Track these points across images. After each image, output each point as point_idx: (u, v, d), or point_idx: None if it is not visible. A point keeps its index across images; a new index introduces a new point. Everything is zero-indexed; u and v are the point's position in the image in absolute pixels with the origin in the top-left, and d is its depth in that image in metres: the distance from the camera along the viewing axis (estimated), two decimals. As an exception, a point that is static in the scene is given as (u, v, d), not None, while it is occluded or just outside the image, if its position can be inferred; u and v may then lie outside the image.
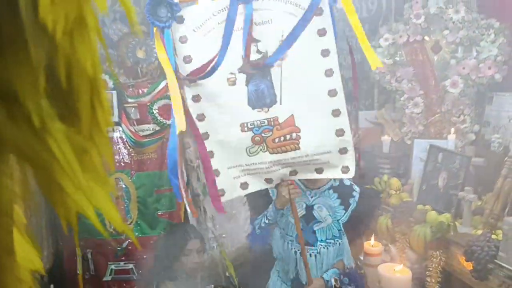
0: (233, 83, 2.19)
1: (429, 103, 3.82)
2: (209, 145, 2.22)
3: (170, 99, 2.96)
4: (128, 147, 3.11)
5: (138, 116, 3.20)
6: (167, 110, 3.09)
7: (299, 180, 2.69)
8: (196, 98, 2.22)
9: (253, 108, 2.19)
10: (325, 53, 2.20)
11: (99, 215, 0.35)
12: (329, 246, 2.71)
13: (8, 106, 0.31)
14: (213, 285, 2.82)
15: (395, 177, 3.72)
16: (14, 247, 0.35)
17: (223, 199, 2.26)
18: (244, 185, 2.32)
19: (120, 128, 3.13)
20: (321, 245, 2.72)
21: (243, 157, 2.24)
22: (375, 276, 2.96)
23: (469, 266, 2.51)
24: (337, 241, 2.71)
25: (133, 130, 3.14)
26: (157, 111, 3.14)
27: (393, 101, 4.20)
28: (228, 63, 2.08)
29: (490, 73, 3.47)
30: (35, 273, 0.43)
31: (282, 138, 2.21)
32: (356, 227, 2.75)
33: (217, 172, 2.25)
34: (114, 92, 3.09)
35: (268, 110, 2.19)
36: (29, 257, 0.41)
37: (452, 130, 3.57)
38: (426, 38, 3.81)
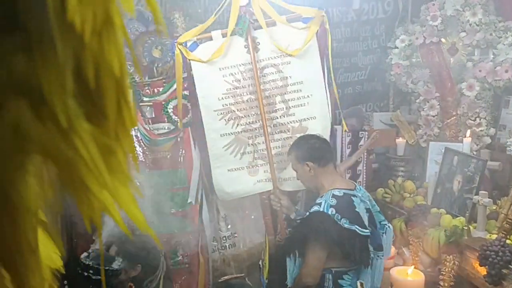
0: None
1: (445, 105, 3.79)
2: None
3: (185, 98, 3.04)
4: (143, 146, 3.13)
5: (153, 115, 3.22)
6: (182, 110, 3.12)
7: None
8: None
9: None
10: None
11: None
12: None
13: (35, 106, 0.31)
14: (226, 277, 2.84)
15: (409, 179, 3.70)
16: (38, 246, 0.35)
17: None
18: None
19: (135, 127, 3.15)
20: None
21: None
22: (387, 279, 2.95)
23: (483, 271, 2.48)
24: None
25: (148, 128, 3.16)
26: (172, 110, 3.17)
27: (408, 103, 4.18)
28: None
29: (507, 76, 3.43)
30: (55, 271, 0.43)
31: None
32: (291, 247, 2.64)
33: None
34: (130, 91, 3.11)
35: None
36: (49, 256, 0.41)
37: (468, 133, 3.54)
38: (443, 40, 3.78)
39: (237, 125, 3.12)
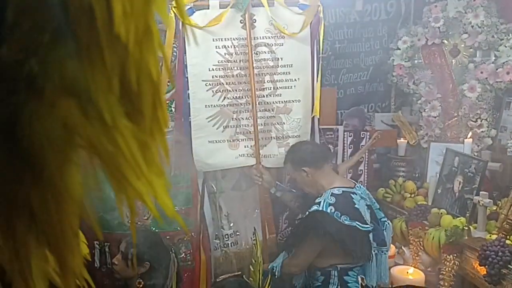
0: None
1: (446, 106, 3.82)
2: None
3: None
4: (147, 144, 3.15)
5: (157, 114, 3.24)
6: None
7: None
8: None
9: None
10: None
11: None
12: None
13: (83, 105, 0.35)
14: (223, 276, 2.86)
15: (410, 180, 3.73)
16: (79, 231, 0.40)
17: None
18: None
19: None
20: None
21: None
22: (388, 278, 2.98)
23: (482, 270, 2.51)
24: None
25: (152, 127, 3.18)
26: (175, 109, 3.19)
27: (410, 104, 4.20)
28: None
29: (508, 78, 3.46)
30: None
31: None
32: (291, 241, 2.74)
33: None
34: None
35: None
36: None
37: (469, 134, 3.57)
38: (445, 41, 3.81)
39: (224, 98, 3.13)
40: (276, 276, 2.72)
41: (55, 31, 0.34)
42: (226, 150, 3.17)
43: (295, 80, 3.24)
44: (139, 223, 3.05)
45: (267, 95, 3.20)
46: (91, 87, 0.34)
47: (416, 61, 3.97)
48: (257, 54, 3.15)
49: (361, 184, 3.74)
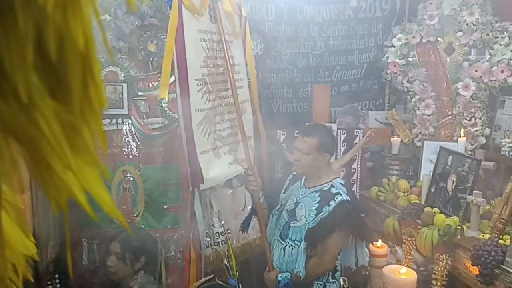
0: None
1: (440, 105, 3.79)
2: None
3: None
4: (137, 140, 3.10)
5: (148, 109, 3.19)
6: (176, 104, 3.08)
7: (304, 179, 2.81)
8: None
9: None
10: None
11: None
12: (295, 247, 2.68)
13: None
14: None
15: (403, 178, 3.69)
16: (1, 226, 0.34)
17: None
18: None
19: (130, 121, 3.13)
20: (289, 243, 2.71)
21: None
22: (380, 278, 2.95)
23: (475, 270, 2.48)
24: (298, 244, 2.68)
25: (142, 123, 3.13)
26: (166, 104, 3.13)
27: (404, 102, 4.18)
28: None
29: (503, 76, 3.43)
30: (29, 258, 0.42)
31: None
32: (321, 238, 2.62)
33: None
34: (125, 85, 3.09)
35: None
36: (22, 241, 0.40)
37: (463, 133, 3.54)
38: (440, 39, 3.78)
39: (209, 100, 2.78)
40: (302, 279, 2.66)
41: None
42: (214, 161, 2.85)
43: (242, 80, 3.09)
44: (128, 220, 3.02)
45: (230, 96, 2.89)
46: (5, 58, 0.29)
47: (410, 59, 3.95)
48: (220, 51, 2.83)
49: (354, 182, 3.75)
